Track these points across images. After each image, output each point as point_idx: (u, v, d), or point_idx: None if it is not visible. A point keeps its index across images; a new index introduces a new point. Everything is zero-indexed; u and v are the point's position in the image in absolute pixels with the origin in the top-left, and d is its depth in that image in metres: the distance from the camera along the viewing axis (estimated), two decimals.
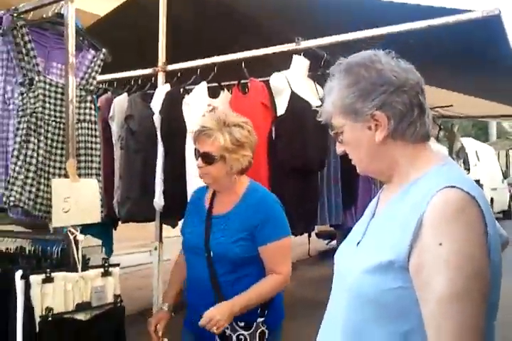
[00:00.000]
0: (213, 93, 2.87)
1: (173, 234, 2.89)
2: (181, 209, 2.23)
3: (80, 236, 1.99)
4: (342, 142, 1.22)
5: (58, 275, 1.93)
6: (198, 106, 2.74)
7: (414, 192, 1.10)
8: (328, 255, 7.57)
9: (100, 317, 2.05)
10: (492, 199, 12.42)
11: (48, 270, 1.91)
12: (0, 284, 2.00)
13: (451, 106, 5.78)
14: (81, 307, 1.98)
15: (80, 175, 2.05)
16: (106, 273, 2.07)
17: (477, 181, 7.89)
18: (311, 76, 2.90)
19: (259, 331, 1.94)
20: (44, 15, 2.10)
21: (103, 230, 3.09)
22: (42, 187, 2.02)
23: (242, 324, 1.91)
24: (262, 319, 1.95)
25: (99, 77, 2.40)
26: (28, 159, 1.97)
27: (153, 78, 3.11)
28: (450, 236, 1.00)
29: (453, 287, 0.98)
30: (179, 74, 3.03)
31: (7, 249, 2.26)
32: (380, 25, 2.55)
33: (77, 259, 1.98)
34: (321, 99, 2.82)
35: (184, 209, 2.19)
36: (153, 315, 2.08)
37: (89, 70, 2.21)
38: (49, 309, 1.89)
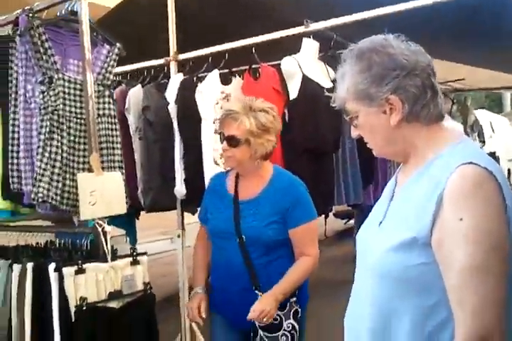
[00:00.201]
0: (225, 80, 2.89)
1: (192, 220, 2.95)
2: (201, 196, 2.27)
3: (108, 228, 2.05)
4: (357, 126, 1.25)
5: (89, 266, 2.00)
6: (211, 94, 2.77)
7: (432, 171, 1.13)
8: (345, 235, 7.60)
9: (132, 305, 2.12)
10: (509, 171, 12.31)
11: (80, 262, 1.98)
12: (34, 277, 2.06)
13: (463, 79, 5.72)
14: (113, 295, 2.05)
15: (103, 169, 2.11)
16: (134, 262, 2.13)
17: (493, 153, 7.82)
18: (321, 57, 2.90)
19: (292, 310, 2.01)
20: (58, 13, 2.13)
21: (127, 220, 3.16)
22: (68, 182, 2.07)
23: (278, 305, 1.96)
24: (295, 298, 2.02)
25: None
26: (52, 155, 2.02)
27: (165, 68, 3.13)
28: (469, 211, 1.03)
29: (473, 261, 1.02)
30: (191, 63, 3.05)
31: (37, 243, 2.34)
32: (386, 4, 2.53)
33: (106, 250, 2.04)
34: (333, 81, 2.83)
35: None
36: (191, 299, 2.13)
37: (106, 65, 2.24)
38: (83, 299, 1.96)
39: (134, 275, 2.12)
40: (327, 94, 2.61)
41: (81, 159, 2.12)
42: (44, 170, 2.02)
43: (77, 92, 2.11)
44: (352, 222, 7.58)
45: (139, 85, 3.08)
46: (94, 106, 2.06)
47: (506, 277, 1.03)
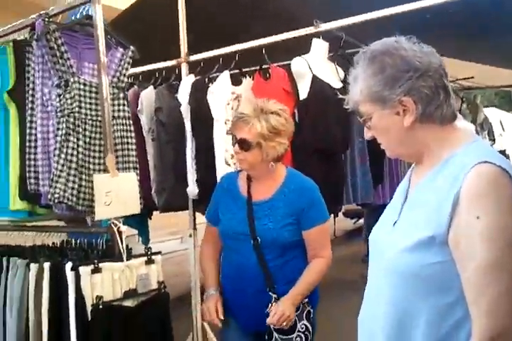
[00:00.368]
0: (236, 80, 2.92)
1: (203, 220, 2.98)
2: None
3: (123, 228, 2.08)
4: (370, 128, 1.27)
5: (105, 266, 2.02)
6: (222, 95, 2.80)
7: (447, 171, 1.15)
8: (355, 234, 7.61)
9: (147, 303, 2.13)
10: None
11: (96, 261, 2.00)
12: (51, 276, 2.10)
13: (473, 77, 5.72)
14: (128, 294, 2.07)
15: (118, 169, 2.14)
16: (149, 261, 2.15)
17: (503, 151, 7.79)
18: (330, 57, 2.92)
19: (305, 311, 2.01)
20: (72, 17, 2.18)
21: (139, 220, 3.20)
22: (83, 183, 2.11)
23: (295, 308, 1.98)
24: (307, 300, 2.03)
25: None
26: (68, 157, 2.06)
27: (176, 69, 3.17)
28: (485, 209, 1.05)
29: (488, 259, 1.04)
30: (201, 64, 3.08)
31: (53, 243, 2.38)
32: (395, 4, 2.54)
33: (122, 249, 2.07)
34: (342, 81, 2.85)
35: None
36: (206, 301, 2.13)
37: (120, 68, 2.28)
38: (99, 297, 1.98)
39: (149, 275, 2.14)
40: (338, 95, 2.65)
41: (96, 160, 2.15)
42: (60, 171, 2.06)
43: (93, 95, 2.15)
44: (361, 221, 7.60)
45: (151, 87, 3.13)
46: (109, 109, 2.09)
47: None
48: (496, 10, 3.09)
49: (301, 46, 2.85)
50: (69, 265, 2.01)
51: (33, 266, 2.15)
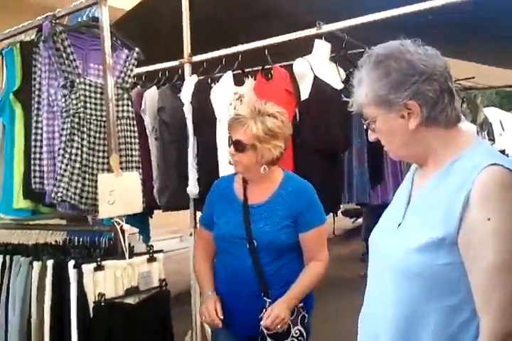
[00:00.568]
0: (239, 81, 2.95)
1: None
2: None
3: (126, 226, 2.11)
4: (375, 130, 1.27)
5: (108, 264, 2.05)
6: (225, 95, 2.82)
7: (455, 173, 1.16)
8: (353, 233, 7.64)
9: (148, 301, 2.16)
10: None
11: (99, 259, 2.03)
12: (54, 274, 2.12)
13: (473, 77, 5.74)
14: (130, 291, 2.10)
15: (121, 169, 2.17)
16: (151, 259, 2.19)
17: (502, 151, 7.81)
18: (332, 58, 2.95)
19: (300, 316, 1.98)
20: (79, 19, 2.20)
21: (141, 219, 3.23)
22: (87, 182, 2.14)
23: (289, 312, 1.95)
24: (302, 304, 2.00)
25: None
26: (73, 157, 2.09)
27: (179, 70, 3.19)
28: (497, 211, 1.06)
29: (499, 260, 1.05)
30: (204, 65, 3.10)
31: (56, 241, 2.41)
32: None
33: (124, 247, 2.10)
34: (344, 82, 2.88)
35: None
36: (205, 302, 2.08)
37: (125, 69, 2.31)
38: (101, 295, 2.01)
39: (151, 272, 2.17)
40: (339, 96, 2.68)
41: (100, 160, 2.18)
42: (64, 170, 2.09)
43: (98, 96, 2.17)
44: (360, 220, 7.63)
45: (155, 87, 3.15)
46: (114, 109, 2.12)
47: None
48: (497, 10, 3.11)
49: (304, 47, 2.88)
50: (71, 263, 2.03)
51: (36, 264, 2.18)
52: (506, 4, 2.96)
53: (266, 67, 2.91)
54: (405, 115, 1.19)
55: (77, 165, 2.10)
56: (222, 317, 2.00)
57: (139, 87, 3.20)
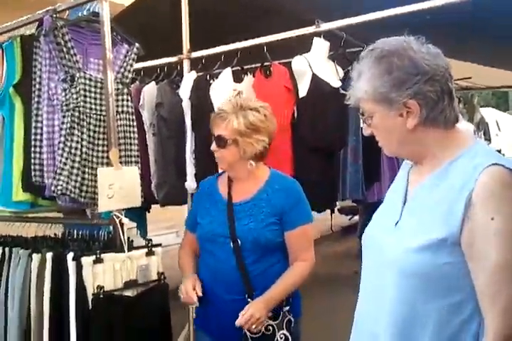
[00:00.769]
0: (238, 77, 2.96)
1: None
2: None
3: (125, 220, 2.13)
4: (370, 126, 1.26)
5: (107, 256, 2.07)
6: (224, 91, 2.84)
7: (455, 173, 1.16)
8: (350, 230, 7.68)
9: (146, 293, 2.18)
10: None
11: (98, 251, 2.05)
12: (53, 266, 2.13)
13: (470, 78, 5.77)
14: (128, 284, 2.12)
15: (121, 163, 2.19)
16: (150, 253, 2.20)
17: (498, 151, 7.85)
18: (330, 56, 2.97)
19: (285, 320, 1.91)
20: (80, 14, 2.22)
21: (139, 214, 3.25)
22: (86, 175, 2.16)
23: (270, 314, 1.87)
24: (288, 307, 1.93)
25: None
26: (73, 150, 2.11)
27: (178, 66, 3.21)
28: (500, 211, 1.07)
29: (503, 259, 1.05)
30: (203, 61, 3.12)
31: (55, 234, 2.43)
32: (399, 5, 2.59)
33: (123, 241, 2.12)
34: (341, 80, 2.90)
35: None
36: (184, 282, 2.01)
37: (124, 64, 2.32)
38: (100, 287, 2.02)
39: (149, 265, 2.19)
40: (336, 92, 2.70)
41: (100, 154, 2.20)
42: (64, 164, 2.11)
43: (98, 90, 2.19)
44: (356, 218, 7.67)
45: (153, 82, 3.16)
46: (113, 104, 2.14)
47: None
48: (495, 10, 3.13)
49: (302, 45, 2.90)
50: (70, 255, 2.05)
51: (36, 257, 2.20)
52: (504, 4, 2.99)
53: (265, 64, 2.93)
54: (404, 114, 1.18)
55: (77, 158, 2.12)
56: (200, 295, 1.93)
57: (137, 82, 3.21)
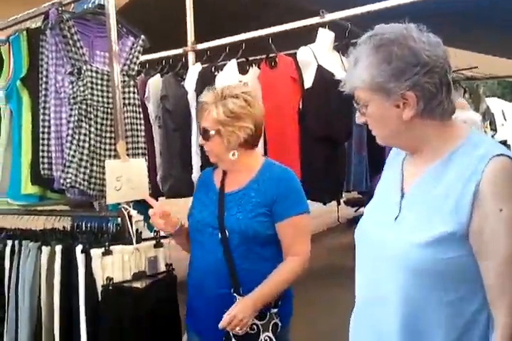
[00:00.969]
0: (243, 69, 2.96)
1: None
2: None
3: (133, 212, 2.14)
4: (365, 115, 1.22)
5: (116, 248, 2.07)
6: (229, 83, 2.84)
7: (458, 164, 1.14)
8: (356, 222, 7.68)
9: (155, 285, 2.18)
10: None
11: (107, 244, 2.06)
12: (63, 259, 2.14)
13: (476, 67, 5.74)
14: (137, 276, 2.11)
15: (128, 155, 2.20)
16: (158, 245, 2.21)
17: (504, 142, 7.81)
18: (335, 47, 2.96)
19: (272, 322, 1.80)
20: (85, 7, 2.22)
21: (146, 206, 3.25)
22: (95, 168, 2.16)
23: (256, 313, 1.77)
24: (276, 310, 1.82)
25: None
26: (81, 143, 2.12)
27: (183, 58, 3.21)
28: (508, 201, 1.06)
29: (509, 250, 1.05)
30: (208, 53, 3.12)
31: (64, 227, 2.44)
32: None
33: (132, 233, 2.13)
34: (347, 71, 2.89)
35: None
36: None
37: (130, 56, 2.32)
38: (109, 279, 2.03)
39: (158, 257, 2.19)
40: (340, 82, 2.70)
41: (107, 146, 2.21)
42: (73, 156, 2.12)
43: (104, 83, 2.19)
44: (362, 209, 7.65)
45: (158, 75, 3.17)
46: (120, 96, 2.15)
47: None
48: (502, 0, 3.12)
49: (307, 36, 2.89)
50: (79, 247, 2.06)
51: (45, 249, 2.21)
52: None
53: (270, 55, 2.93)
54: (400, 105, 1.15)
55: (85, 151, 2.13)
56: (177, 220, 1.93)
57: (142, 75, 3.22)
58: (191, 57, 3.14)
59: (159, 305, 2.22)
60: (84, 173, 2.13)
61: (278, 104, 2.77)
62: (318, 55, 2.80)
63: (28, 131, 2.29)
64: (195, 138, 2.92)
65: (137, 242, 2.15)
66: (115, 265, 2.07)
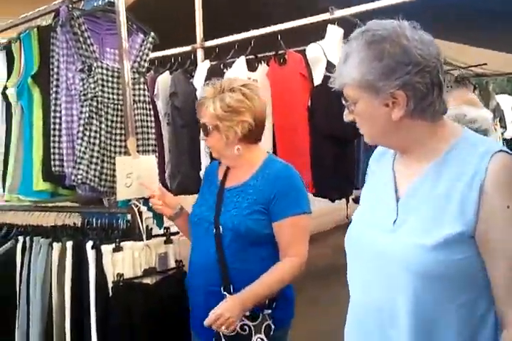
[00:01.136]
0: (251, 66, 2.96)
1: None
2: None
3: (143, 208, 2.15)
4: (353, 112, 1.20)
5: (126, 245, 2.08)
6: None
7: (457, 162, 1.11)
8: None
9: (165, 281, 2.20)
10: None
11: (117, 240, 2.07)
12: (73, 255, 2.16)
13: (485, 64, 5.70)
14: (148, 272, 2.13)
15: (138, 152, 2.21)
16: (168, 241, 2.22)
17: None
18: (345, 44, 2.95)
19: (265, 324, 1.73)
20: (95, 4, 2.23)
21: None
22: (105, 164, 2.18)
23: (248, 313, 1.72)
24: (269, 311, 1.76)
25: None
26: (91, 140, 2.13)
27: (192, 55, 3.21)
28: None
29: None
30: (217, 50, 3.12)
31: (74, 223, 2.46)
32: None
33: (142, 229, 2.14)
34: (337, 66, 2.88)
35: None
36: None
37: (140, 53, 2.33)
38: (120, 275, 2.05)
39: (168, 254, 2.21)
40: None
41: (118, 143, 2.22)
42: (83, 153, 2.13)
43: (115, 80, 2.20)
44: None
45: (167, 72, 3.17)
46: (130, 93, 2.16)
47: None
48: None
49: (317, 32, 2.88)
50: (90, 243, 2.08)
51: (56, 245, 2.22)
52: None
53: (279, 52, 2.92)
54: (390, 104, 1.12)
55: (96, 148, 2.14)
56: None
57: (151, 72, 3.22)
58: (200, 54, 3.14)
59: (169, 301, 2.23)
60: (95, 170, 2.14)
61: (287, 101, 2.76)
62: (328, 51, 2.79)
63: (39, 127, 2.30)
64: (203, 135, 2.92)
65: (147, 238, 2.17)
66: (125, 261, 2.08)
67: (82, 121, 2.13)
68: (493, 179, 1.05)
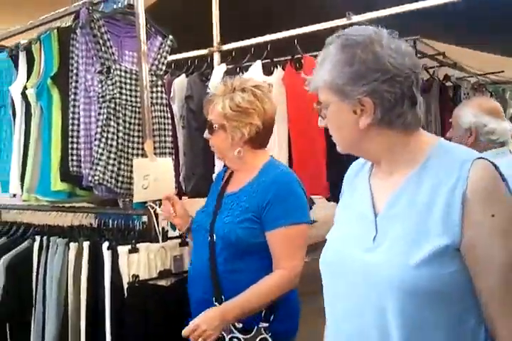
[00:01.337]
0: (267, 70, 2.97)
1: None
2: None
3: (159, 210, 2.15)
4: (325, 117, 1.17)
5: (142, 246, 2.09)
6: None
7: (433, 172, 1.08)
8: None
9: (180, 283, 2.20)
10: None
11: (133, 241, 2.08)
12: (90, 255, 2.17)
13: (503, 71, 5.66)
14: (163, 274, 2.13)
15: (155, 154, 2.22)
16: (183, 243, 2.22)
17: None
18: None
19: (259, 338, 1.62)
20: (114, 6, 2.26)
21: None
22: (122, 166, 2.19)
23: (240, 325, 1.64)
24: (266, 324, 1.65)
25: None
26: (109, 141, 2.14)
27: (208, 58, 3.23)
28: (498, 206, 1.01)
29: (510, 256, 1.00)
30: (233, 54, 3.14)
31: (90, 224, 2.48)
32: None
33: (158, 231, 2.15)
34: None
35: None
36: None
37: (159, 56, 2.35)
38: (135, 276, 2.05)
39: (183, 256, 2.21)
40: None
41: (135, 145, 2.23)
42: (101, 154, 2.14)
43: (133, 82, 2.22)
44: None
45: (184, 75, 3.19)
46: (148, 95, 2.17)
47: None
48: None
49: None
50: (106, 244, 2.09)
51: (73, 245, 2.24)
52: None
53: (296, 56, 2.93)
54: (358, 111, 1.09)
55: (113, 149, 2.15)
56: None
57: (168, 74, 3.24)
58: (216, 57, 3.16)
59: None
60: (112, 171, 2.16)
61: (303, 106, 2.76)
62: None
63: (58, 128, 2.32)
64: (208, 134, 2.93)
65: (163, 240, 2.17)
66: (141, 262, 2.09)
67: (99, 123, 2.15)
68: (474, 188, 1.01)
